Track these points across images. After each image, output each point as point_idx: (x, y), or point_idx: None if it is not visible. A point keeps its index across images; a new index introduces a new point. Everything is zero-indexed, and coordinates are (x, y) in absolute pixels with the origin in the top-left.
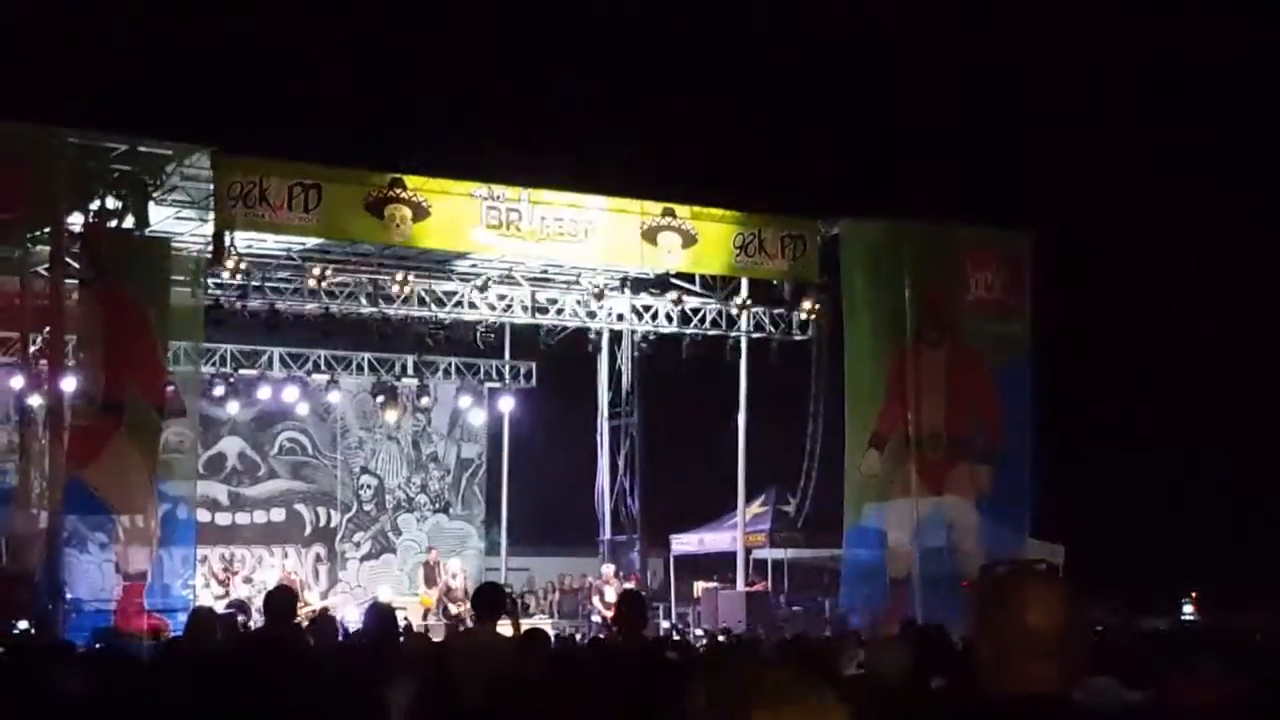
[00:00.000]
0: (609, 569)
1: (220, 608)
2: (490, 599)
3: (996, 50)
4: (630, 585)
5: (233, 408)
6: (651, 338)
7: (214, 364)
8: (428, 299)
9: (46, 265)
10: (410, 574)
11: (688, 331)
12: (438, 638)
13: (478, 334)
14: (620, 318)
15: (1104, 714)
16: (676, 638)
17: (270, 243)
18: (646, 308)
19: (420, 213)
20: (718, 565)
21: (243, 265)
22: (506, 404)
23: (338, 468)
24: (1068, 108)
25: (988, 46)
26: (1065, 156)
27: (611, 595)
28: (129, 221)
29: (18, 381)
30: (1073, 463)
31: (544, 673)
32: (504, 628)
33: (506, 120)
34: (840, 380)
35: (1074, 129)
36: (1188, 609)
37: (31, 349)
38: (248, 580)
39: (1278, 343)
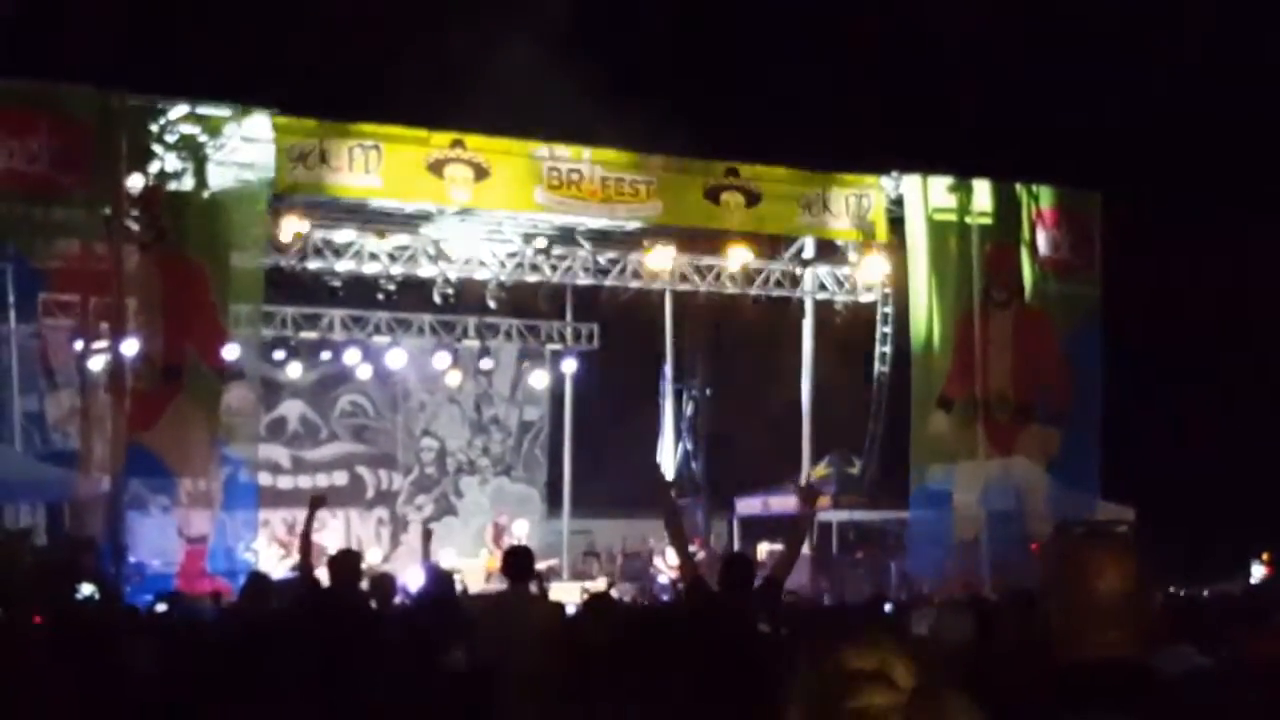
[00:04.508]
0: None
1: (285, 570)
2: (518, 563)
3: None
4: (692, 547)
5: (294, 371)
6: (715, 298)
7: (275, 327)
8: (488, 261)
9: (107, 228)
10: (474, 536)
11: (751, 292)
12: None
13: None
14: (683, 278)
15: (1178, 679)
16: None
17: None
18: (710, 268)
19: (481, 173)
20: (782, 528)
21: (303, 227)
22: (569, 366)
23: (399, 430)
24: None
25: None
26: (1144, 115)
27: (674, 558)
28: (189, 184)
29: (79, 345)
30: (1143, 423)
31: (607, 637)
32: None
33: (566, 81)
34: (906, 341)
35: (1153, 86)
36: (1258, 570)
37: (92, 313)
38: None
39: None
